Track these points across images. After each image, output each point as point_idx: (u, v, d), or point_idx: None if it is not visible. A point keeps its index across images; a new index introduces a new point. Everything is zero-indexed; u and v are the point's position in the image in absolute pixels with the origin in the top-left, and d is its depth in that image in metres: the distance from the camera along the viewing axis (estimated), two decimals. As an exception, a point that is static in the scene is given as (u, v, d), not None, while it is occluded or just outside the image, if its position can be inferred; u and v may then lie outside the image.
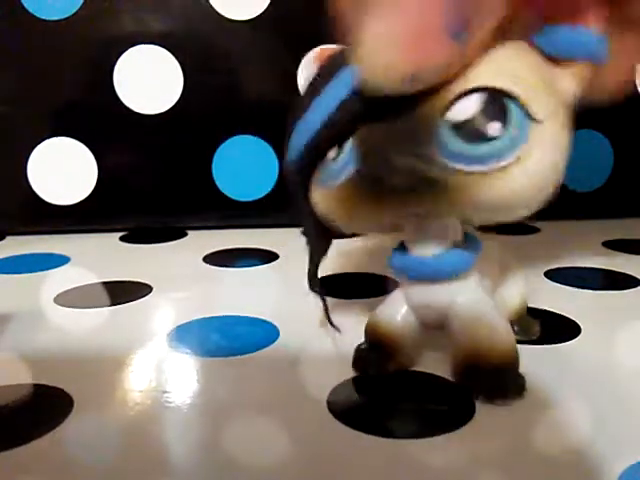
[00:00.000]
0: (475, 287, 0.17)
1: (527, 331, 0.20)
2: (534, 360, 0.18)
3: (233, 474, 0.14)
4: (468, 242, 0.16)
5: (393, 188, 0.14)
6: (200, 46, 0.35)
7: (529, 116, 0.13)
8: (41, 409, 0.17)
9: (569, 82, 0.14)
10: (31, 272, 0.29)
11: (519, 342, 0.17)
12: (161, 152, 0.36)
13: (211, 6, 0.34)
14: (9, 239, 0.36)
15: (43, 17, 0.34)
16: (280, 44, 0.34)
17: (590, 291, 0.25)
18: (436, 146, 0.13)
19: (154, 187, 0.36)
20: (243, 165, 0.36)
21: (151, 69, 0.35)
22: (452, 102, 0.13)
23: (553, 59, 0.14)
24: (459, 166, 0.13)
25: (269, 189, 0.36)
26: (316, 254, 0.18)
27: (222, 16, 0.34)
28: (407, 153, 0.13)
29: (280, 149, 0.31)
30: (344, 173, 0.15)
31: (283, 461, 0.15)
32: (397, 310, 0.17)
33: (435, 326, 0.17)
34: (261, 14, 0.34)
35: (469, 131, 0.13)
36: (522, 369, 0.17)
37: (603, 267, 0.28)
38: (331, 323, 0.19)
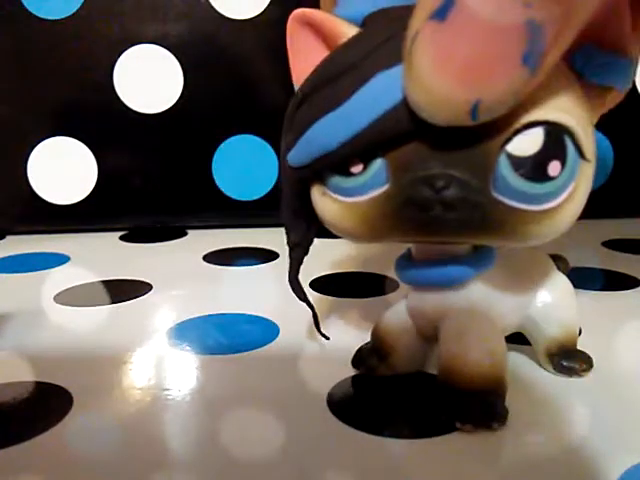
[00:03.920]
0: (471, 300, 0.16)
1: (572, 368, 0.18)
2: (534, 360, 0.18)
3: (232, 470, 0.14)
4: (477, 254, 0.15)
5: (439, 219, 0.12)
6: (200, 46, 0.35)
7: (582, 155, 0.13)
8: (41, 406, 0.17)
9: (597, 111, 0.14)
10: (31, 271, 0.29)
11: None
12: (161, 152, 0.36)
13: (211, 6, 0.34)
14: (9, 239, 0.36)
15: (43, 17, 0.34)
16: (280, 44, 0.34)
17: (590, 291, 0.25)
18: (492, 179, 0.12)
19: (154, 187, 0.36)
20: (243, 165, 0.36)
21: (151, 69, 0.35)
22: (514, 134, 0.12)
23: (586, 84, 0.13)
24: (514, 204, 0.12)
25: (269, 189, 0.36)
26: (297, 256, 0.17)
27: (222, 16, 0.34)
28: (460, 184, 0.12)
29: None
30: (373, 190, 0.13)
31: (282, 458, 0.14)
32: (397, 314, 0.17)
33: (428, 335, 0.17)
34: (261, 14, 0.34)
35: (530, 169, 0.12)
36: (522, 369, 0.16)
37: (603, 267, 0.28)
38: (319, 330, 0.19)
